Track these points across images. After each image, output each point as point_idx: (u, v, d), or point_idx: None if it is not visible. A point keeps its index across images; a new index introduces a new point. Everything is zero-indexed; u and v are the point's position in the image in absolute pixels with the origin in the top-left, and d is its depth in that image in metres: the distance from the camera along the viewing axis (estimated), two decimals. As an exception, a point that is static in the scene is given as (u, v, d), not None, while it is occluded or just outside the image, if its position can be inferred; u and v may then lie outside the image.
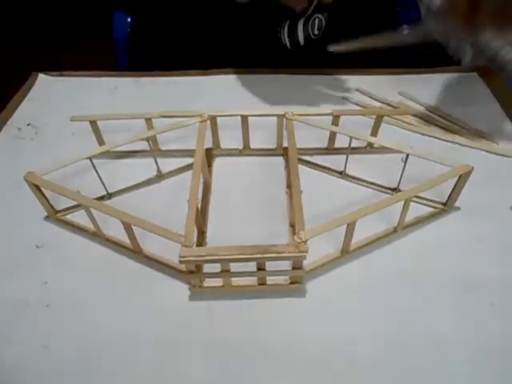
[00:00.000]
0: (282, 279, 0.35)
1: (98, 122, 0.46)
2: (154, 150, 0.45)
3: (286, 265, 0.34)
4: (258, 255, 0.31)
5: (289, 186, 0.43)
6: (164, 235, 0.33)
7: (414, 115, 0.52)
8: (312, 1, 0.57)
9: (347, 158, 0.44)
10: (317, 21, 0.58)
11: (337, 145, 0.46)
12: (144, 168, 0.45)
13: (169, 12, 0.64)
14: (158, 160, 0.44)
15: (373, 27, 0.61)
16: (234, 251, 0.31)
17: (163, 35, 0.66)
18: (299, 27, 0.59)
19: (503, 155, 0.47)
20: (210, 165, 0.46)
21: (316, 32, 0.59)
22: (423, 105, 0.54)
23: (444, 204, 0.41)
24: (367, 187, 0.44)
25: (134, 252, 0.38)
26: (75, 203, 0.40)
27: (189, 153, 0.44)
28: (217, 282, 0.35)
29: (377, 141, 0.43)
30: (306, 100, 0.52)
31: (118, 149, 0.44)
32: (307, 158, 0.46)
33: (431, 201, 0.41)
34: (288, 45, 0.61)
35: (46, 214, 0.41)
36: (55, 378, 0.32)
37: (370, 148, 0.47)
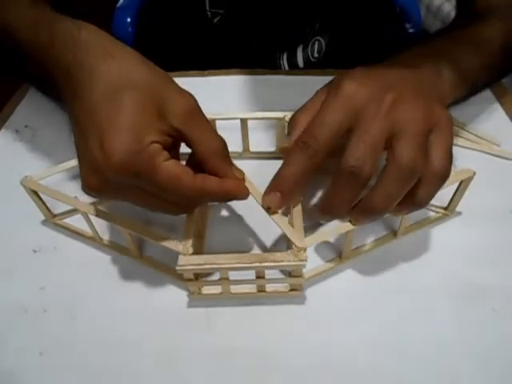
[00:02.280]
0: (281, 286, 0.35)
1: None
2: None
3: (285, 272, 0.34)
4: (257, 264, 0.31)
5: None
6: (162, 243, 0.33)
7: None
8: (312, 24, 0.56)
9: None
10: (316, 44, 0.57)
11: (337, 148, 0.46)
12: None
13: (168, 13, 0.64)
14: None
15: (374, 43, 0.60)
16: (232, 259, 0.31)
17: (162, 36, 0.65)
18: (298, 53, 0.58)
19: (504, 157, 0.46)
20: (209, 168, 0.46)
21: (316, 55, 0.58)
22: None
23: (445, 208, 0.41)
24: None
25: (133, 257, 0.38)
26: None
27: (188, 156, 0.43)
28: (216, 289, 0.35)
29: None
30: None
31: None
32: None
33: (432, 205, 0.41)
34: (287, 68, 0.61)
35: (43, 217, 0.41)
36: (52, 384, 0.32)
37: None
